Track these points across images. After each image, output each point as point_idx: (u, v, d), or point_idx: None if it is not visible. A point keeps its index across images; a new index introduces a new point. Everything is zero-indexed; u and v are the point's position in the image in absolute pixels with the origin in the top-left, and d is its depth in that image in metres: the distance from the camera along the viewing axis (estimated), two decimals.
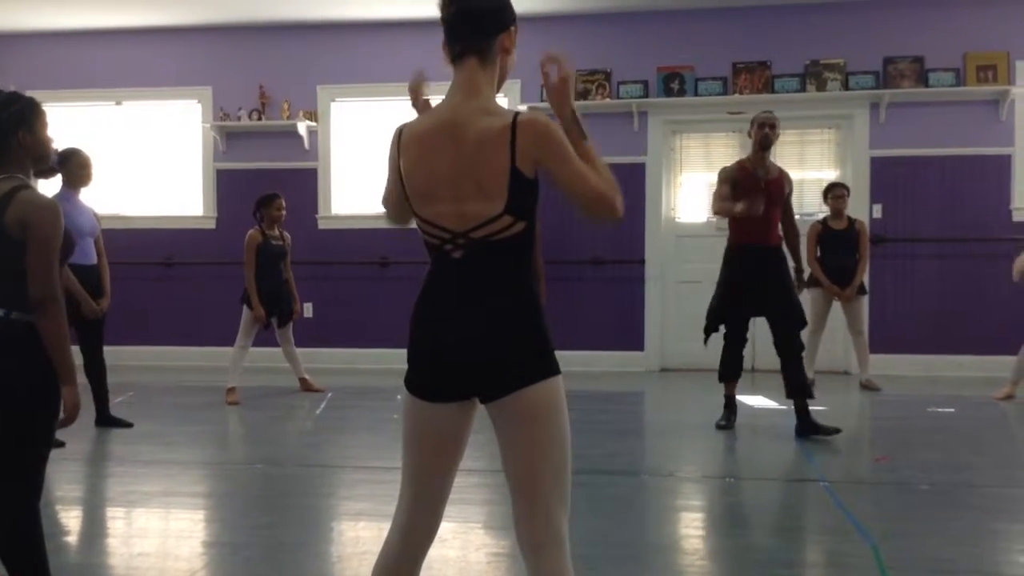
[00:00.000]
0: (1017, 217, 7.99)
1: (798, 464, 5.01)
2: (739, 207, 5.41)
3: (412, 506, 2.15)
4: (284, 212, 7.17)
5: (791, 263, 5.80)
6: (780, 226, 5.74)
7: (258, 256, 6.99)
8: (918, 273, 8.24)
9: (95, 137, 8.98)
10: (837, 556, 3.55)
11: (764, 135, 5.61)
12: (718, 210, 5.65)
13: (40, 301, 2.50)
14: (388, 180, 2.21)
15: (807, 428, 5.50)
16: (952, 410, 6.54)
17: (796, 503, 4.43)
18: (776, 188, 5.62)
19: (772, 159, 5.78)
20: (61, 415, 2.61)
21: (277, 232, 7.19)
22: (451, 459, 2.15)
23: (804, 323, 5.61)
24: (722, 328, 5.80)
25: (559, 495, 2.03)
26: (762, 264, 5.57)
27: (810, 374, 7.57)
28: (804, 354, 7.47)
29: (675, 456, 5.39)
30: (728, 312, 5.72)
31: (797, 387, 5.51)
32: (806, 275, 6.41)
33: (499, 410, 2.03)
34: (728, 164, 5.88)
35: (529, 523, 2.02)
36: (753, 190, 5.49)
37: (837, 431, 5.44)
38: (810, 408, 5.52)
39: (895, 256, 8.19)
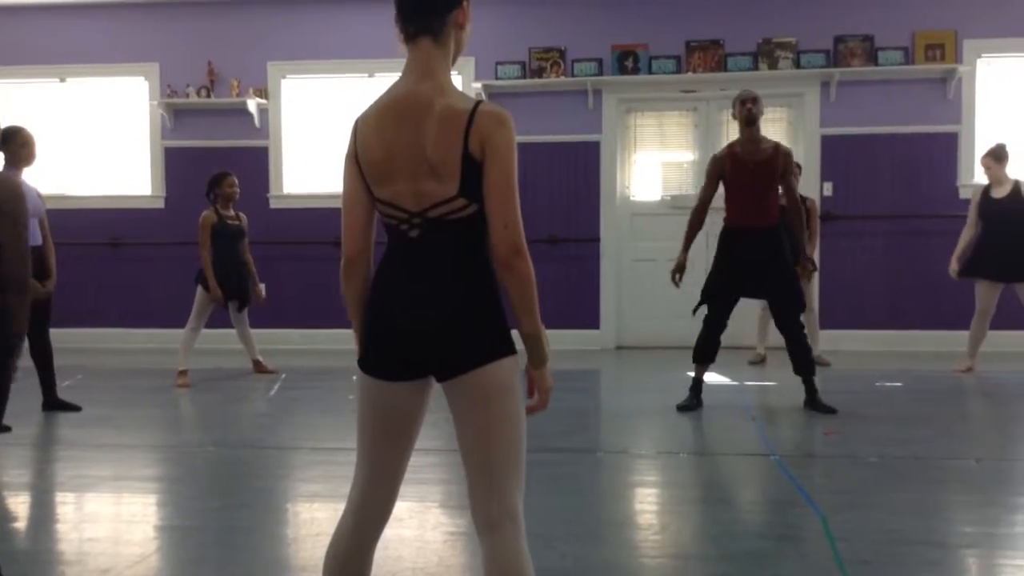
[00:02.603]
0: (963, 194, 8.14)
1: (750, 439, 5.08)
2: (680, 259, 5.60)
3: (367, 486, 2.14)
4: (237, 189, 7.05)
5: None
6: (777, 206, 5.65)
7: (214, 236, 6.88)
8: (868, 250, 8.37)
9: (38, 115, 8.77)
10: (788, 528, 3.61)
11: (747, 111, 5.51)
12: (690, 224, 5.65)
13: None
14: (346, 189, 2.10)
15: (811, 403, 5.65)
16: (900, 384, 6.67)
17: (748, 477, 4.49)
18: (767, 168, 5.51)
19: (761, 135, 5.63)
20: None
21: (232, 212, 7.08)
22: (406, 438, 2.14)
23: (801, 306, 5.59)
24: (704, 308, 5.76)
25: (514, 474, 2.03)
26: (753, 247, 5.53)
27: (760, 349, 7.70)
28: (757, 329, 7.61)
29: (630, 433, 5.43)
30: (714, 295, 5.67)
31: (803, 365, 5.64)
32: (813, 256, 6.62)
33: (454, 389, 2.02)
34: (717, 152, 5.79)
35: (484, 502, 2.02)
36: (743, 174, 5.49)
37: (833, 411, 5.55)
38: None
39: (845, 233, 8.31)
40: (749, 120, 5.53)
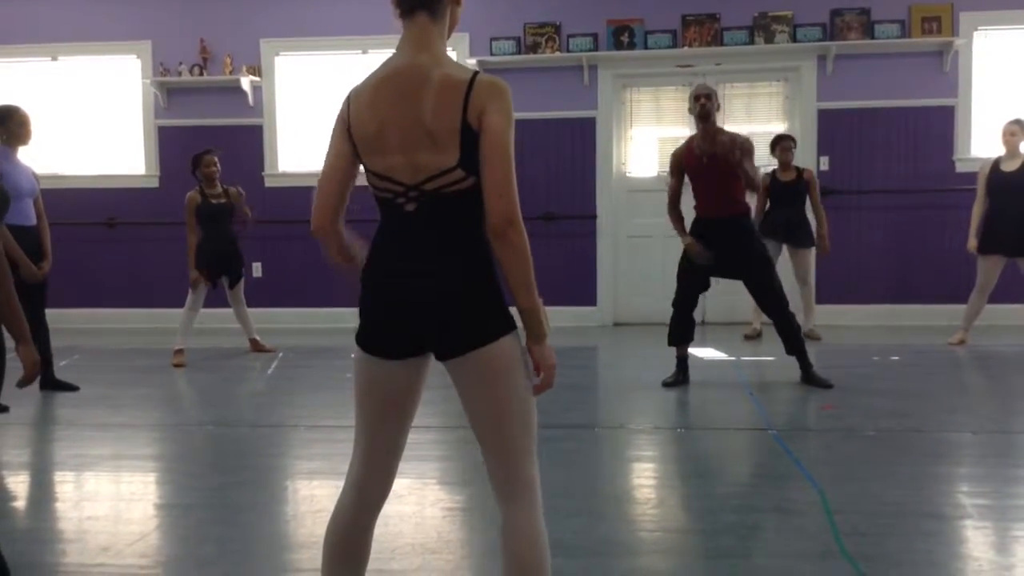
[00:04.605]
0: (960, 168, 8.13)
1: (747, 414, 5.09)
2: (686, 241, 5.62)
3: (366, 463, 2.14)
4: (217, 168, 6.97)
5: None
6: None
7: (200, 217, 6.85)
8: (865, 224, 8.36)
9: (30, 94, 8.72)
10: (785, 502, 3.63)
11: (700, 106, 5.53)
12: (670, 218, 5.74)
13: None
14: (328, 159, 2.08)
15: (807, 378, 5.70)
16: (897, 358, 6.69)
17: (745, 452, 4.50)
18: (722, 161, 5.47)
19: (721, 124, 5.69)
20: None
21: (219, 189, 7.03)
22: (404, 415, 2.14)
23: (777, 288, 5.63)
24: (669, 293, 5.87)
25: (525, 447, 2.05)
26: (721, 236, 5.57)
27: (756, 324, 7.72)
28: (753, 304, 7.65)
29: (627, 409, 5.44)
30: (683, 281, 5.76)
31: (792, 343, 5.68)
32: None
33: (457, 368, 2.01)
34: (677, 147, 5.84)
35: (498, 476, 2.06)
36: (697, 169, 5.57)
37: (830, 385, 5.60)
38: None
39: (842, 208, 8.29)
40: (702, 115, 5.54)
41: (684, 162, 5.68)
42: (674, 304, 5.80)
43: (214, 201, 6.96)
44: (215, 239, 6.93)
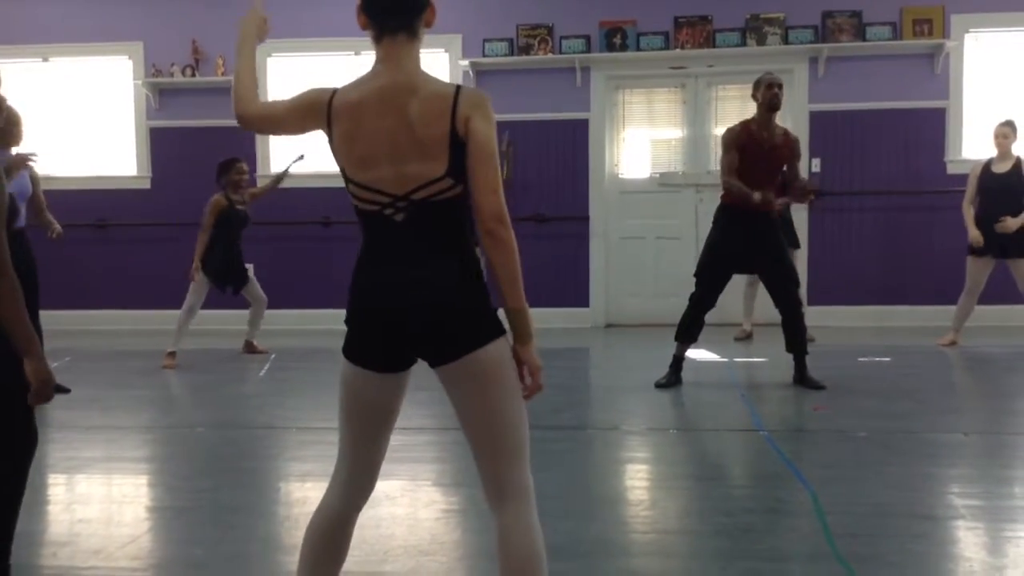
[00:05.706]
0: (951, 169, 8.15)
1: (740, 415, 5.10)
2: (757, 196, 5.35)
3: (351, 466, 2.18)
4: (246, 176, 7.02)
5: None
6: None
7: (220, 222, 6.83)
8: (856, 225, 8.39)
9: (21, 95, 8.67)
10: (777, 503, 3.64)
11: (773, 95, 5.50)
12: (729, 188, 5.53)
13: None
14: (283, 102, 2.18)
15: (800, 379, 5.70)
16: (888, 359, 6.71)
17: (738, 453, 4.51)
18: (778, 154, 5.55)
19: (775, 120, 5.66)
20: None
21: (241, 197, 7.02)
22: (387, 421, 2.17)
23: (797, 283, 5.70)
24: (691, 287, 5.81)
25: (518, 450, 2.08)
26: (753, 230, 5.55)
27: (747, 325, 7.74)
28: (744, 305, 7.68)
29: (620, 410, 5.44)
30: (707, 275, 5.71)
31: (797, 342, 5.69)
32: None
33: (450, 374, 2.04)
34: (732, 125, 5.75)
35: (492, 480, 2.08)
36: (757, 155, 5.49)
37: (822, 387, 5.59)
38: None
39: (833, 209, 8.32)
40: (773, 106, 5.52)
41: (744, 143, 5.54)
42: (693, 300, 5.75)
43: (239, 207, 6.97)
44: (228, 246, 6.91)
